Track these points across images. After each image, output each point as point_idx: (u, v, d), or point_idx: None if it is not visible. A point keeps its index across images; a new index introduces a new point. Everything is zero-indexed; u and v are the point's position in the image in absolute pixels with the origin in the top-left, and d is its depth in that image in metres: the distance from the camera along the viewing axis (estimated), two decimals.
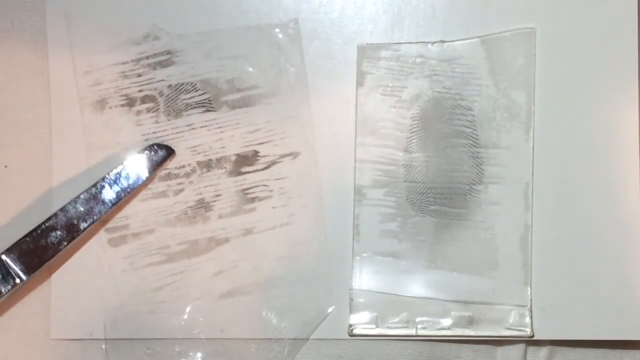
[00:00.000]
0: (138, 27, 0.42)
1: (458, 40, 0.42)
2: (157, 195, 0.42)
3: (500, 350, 0.43)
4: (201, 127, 0.42)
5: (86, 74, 0.42)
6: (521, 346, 0.42)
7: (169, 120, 0.42)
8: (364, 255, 0.42)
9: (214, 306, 0.42)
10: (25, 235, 0.40)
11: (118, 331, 0.42)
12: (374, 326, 0.42)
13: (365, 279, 0.42)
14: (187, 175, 0.42)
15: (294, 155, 0.42)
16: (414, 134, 0.42)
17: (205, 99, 0.42)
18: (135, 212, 0.42)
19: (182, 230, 0.42)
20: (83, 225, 0.40)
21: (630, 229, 0.42)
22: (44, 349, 0.42)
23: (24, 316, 0.42)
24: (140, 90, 0.42)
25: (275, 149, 0.42)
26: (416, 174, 0.42)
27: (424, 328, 0.42)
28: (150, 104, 0.42)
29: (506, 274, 0.42)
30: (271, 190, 0.42)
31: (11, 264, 0.39)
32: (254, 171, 0.42)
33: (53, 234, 0.40)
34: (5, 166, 0.42)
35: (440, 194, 0.42)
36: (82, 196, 0.41)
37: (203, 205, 0.42)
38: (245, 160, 0.42)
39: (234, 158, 0.42)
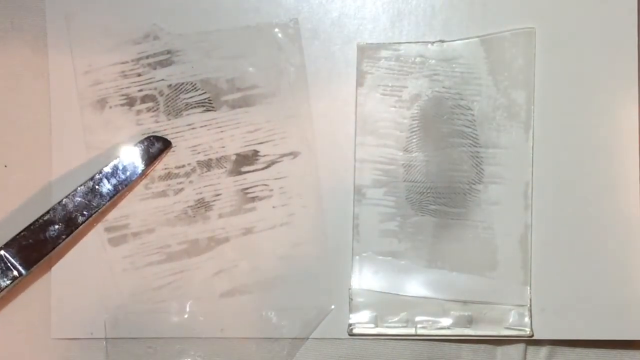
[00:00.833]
0: (138, 26, 0.42)
1: (458, 40, 0.42)
2: (157, 195, 0.42)
3: (500, 350, 0.43)
4: (201, 126, 0.42)
5: (86, 74, 0.42)
6: (521, 346, 0.42)
7: (169, 119, 0.42)
8: (364, 254, 0.42)
9: (214, 305, 0.42)
10: (24, 230, 0.40)
11: (119, 330, 0.42)
12: (373, 326, 0.42)
13: (364, 278, 0.42)
14: (187, 174, 0.42)
15: (294, 154, 0.42)
16: (413, 133, 0.42)
17: (205, 99, 0.42)
18: (135, 211, 0.42)
19: (182, 229, 0.42)
20: (81, 218, 0.41)
21: (630, 229, 0.41)
22: (44, 348, 0.42)
23: (25, 316, 0.42)
24: (140, 90, 0.42)
25: (275, 149, 0.42)
26: (416, 174, 0.42)
27: (423, 328, 0.42)
28: (150, 104, 0.42)
29: (506, 273, 0.42)
30: (271, 190, 0.42)
31: (10, 258, 0.39)
32: (254, 171, 0.42)
33: (51, 227, 0.40)
34: (5, 166, 0.42)
35: (440, 193, 0.42)
36: (79, 189, 0.41)
37: (203, 205, 0.42)
38: (245, 160, 0.42)
39: (234, 157, 0.42)
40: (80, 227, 0.41)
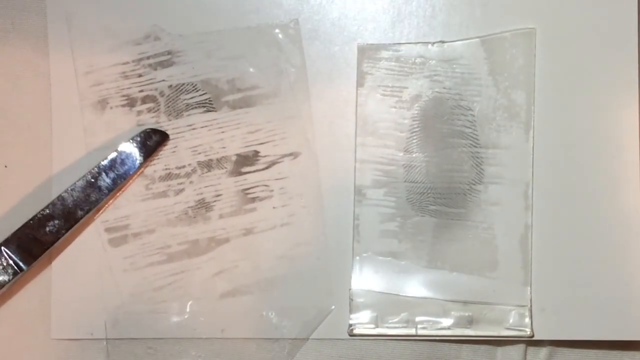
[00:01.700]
0: (139, 27, 0.42)
1: (458, 40, 0.42)
2: (157, 195, 0.42)
3: (500, 351, 0.43)
4: (202, 127, 0.42)
5: (87, 74, 0.42)
6: (521, 346, 0.42)
7: (170, 120, 0.42)
8: (364, 255, 0.42)
9: (214, 306, 0.42)
10: (23, 225, 0.40)
11: (119, 331, 0.42)
12: (373, 326, 0.42)
13: (365, 278, 0.42)
14: (188, 175, 0.42)
15: (294, 155, 0.42)
16: (414, 134, 0.42)
17: (205, 99, 0.42)
18: (135, 212, 0.42)
19: (182, 230, 0.42)
20: (80, 213, 0.41)
21: (630, 229, 0.42)
22: (44, 349, 0.42)
23: (25, 316, 0.42)
24: (141, 91, 0.42)
25: (276, 149, 0.42)
26: (416, 174, 0.42)
27: (423, 328, 0.42)
28: (151, 104, 0.42)
29: (506, 274, 0.42)
30: (271, 191, 0.42)
31: (10, 254, 0.39)
32: (254, 171, 0.42)
33: (51, 222, 0.40)
34: (5, 166, 0.42)
35: (440, 194, 0.42)
36: (78, 184, 0.41)
37: (203, 205, 0.42)
38: (245, 161, 0.42)
39: (234, 158, 0.42)
40: (80, 221, 0.41)
